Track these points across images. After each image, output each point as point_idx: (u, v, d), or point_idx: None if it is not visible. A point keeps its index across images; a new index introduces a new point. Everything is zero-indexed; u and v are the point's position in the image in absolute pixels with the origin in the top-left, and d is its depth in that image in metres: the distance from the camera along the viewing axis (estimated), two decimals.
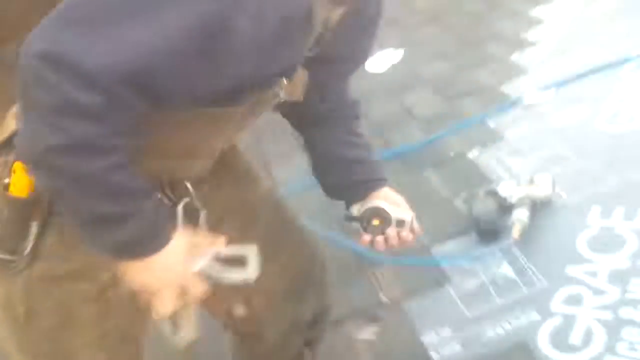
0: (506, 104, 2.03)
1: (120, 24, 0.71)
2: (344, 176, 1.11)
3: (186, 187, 0.99)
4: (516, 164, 1.72)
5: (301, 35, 0.86)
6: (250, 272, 0.91)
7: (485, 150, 1.83)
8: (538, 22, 2.50)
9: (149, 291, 0.84)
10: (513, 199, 1.53)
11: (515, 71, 2.21)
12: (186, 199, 0.98)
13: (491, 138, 1.88)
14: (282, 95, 0.91)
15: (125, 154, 0.78)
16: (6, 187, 0.88)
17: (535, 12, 2.59)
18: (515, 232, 1.44)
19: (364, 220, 1.03)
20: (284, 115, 1.13)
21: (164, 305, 0.84)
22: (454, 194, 1.69)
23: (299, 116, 1.12)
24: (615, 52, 2.08)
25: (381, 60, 2.56)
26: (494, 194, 1.57)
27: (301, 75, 0.97)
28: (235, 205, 1.11)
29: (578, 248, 1.37)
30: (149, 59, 0.72)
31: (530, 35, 2.42)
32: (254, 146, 2.26)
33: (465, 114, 2.04)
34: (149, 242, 0.82)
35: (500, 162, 1.76)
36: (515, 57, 2.30)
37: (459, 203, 1.65)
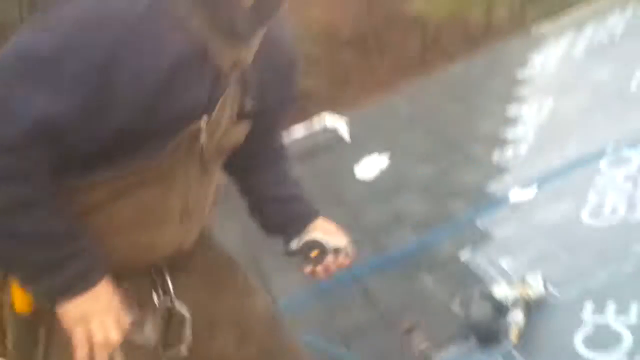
0: (492, 203, 2.09)
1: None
2: (281, 214, 1.18)
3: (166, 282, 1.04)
4: (507, 263, 1.75)
5: (200, 77, 0.93)
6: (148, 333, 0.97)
7: (476, 250, 1.87)
8: (515, 120, 2.62)
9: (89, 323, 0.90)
10: (508, 300, 1.55)
11: (498, 170, 2.29)
12: (168, 302, 1.02)
13: (481, 238, 1.92)
14: (204, 140, 0.97)
15: (50, 203, 0.89)
16: (11, 305, 0.94)
17: (511, 111, 2.72)
18: (514, 336, 1.45)
19: (304, 253, 1.10)
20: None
21: (107, 333, 0.90)
22: (450, 297, 1.71)
23: (233, 163, 1.19)
24: (592, 145, 2.18)
25: (369, 167, 2.67)
26: (488, 296, 1.59)
27: (227, 120, 1.02)
28: (231, 316, 1.13)
29: (576, 347, 1.36)
30: (44, 119, 0.83)
31: (508, 133, 2.54)
32: (252, 258, 2.30)
33: (454, 215, 2.10)
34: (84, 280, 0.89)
35: (491, 262, 1.79)
36: (497, 156, 2.40)
37: (455, 307, 1.67)
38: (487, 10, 18.86)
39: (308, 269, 1.10)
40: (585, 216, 1.83)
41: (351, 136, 3.14)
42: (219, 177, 1.12)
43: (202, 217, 1.10)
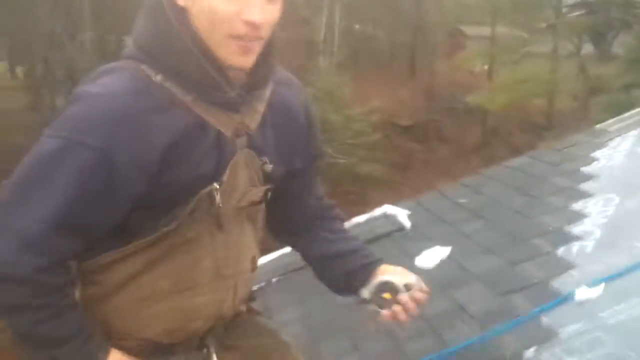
0: (557, 299, 2.06)
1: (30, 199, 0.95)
2: (347, 268, 1.24)
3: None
4: None
5: (203, 146, 1.03)
6: None
7: (541, 349, 1.83)
8: (580, 216, 2.60)
9: None
10: None
11: (563, 266, 2.26)
12: None
13: (546, 336, 1.88)
14: (219, 203, 1.05)
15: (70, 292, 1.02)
16: None
17: (576, 206, 2.71)
18: None
19: (377, 298, 1.13)
20: (275, 237, 1.27)
21: None
22: None
23: (286, 231, 1.26)
24: None
25: (430, 256, 2.68)
26: None
27: (246, 183, 1.11)
28: None
29: None
30: (63, 212, 0.95)
31: (574, 229, 2.52)
32: (312, 342, 2.32)
33: (518, 311, 2.07)
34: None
35: None
36: (562, 251, 2.37)
37: None
38: (549, 100, 18.90)
39: (387, 313, 1.11)
40: None
41: (412, 224, 3.18)
42: (252, 243, 1.19)
43: (238, 280, 1.16)
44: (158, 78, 1.01)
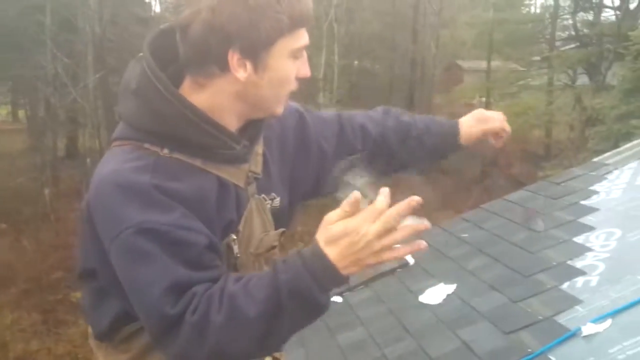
0: (565, 336, 2.04)
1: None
2: (434, 138, 1.43)
3: None
4: None
5: (226, 200, 1.09)
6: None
7: None
8: (583, 250, 2.61)
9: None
10: None
11: (569, 301, 2.25)
12: None
13: None
14: (237, 251, 1.09)
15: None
16: None
17: (579, 240, 2.71)
18: None
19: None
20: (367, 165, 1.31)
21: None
22: None
23: (372, 157, 1.36)
24: None
25: (434, 294, 2.68)
26: None
27: (261, 228, 1.15)
28: None
29: None
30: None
31: (577, 263, 2.52)
32: None
33: (525, 349, 2.06)
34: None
35: None
36: (566, 286, 2.37)
37: None
38: (546, 131, 19.05)
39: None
40: None
41: (415, 260, 3.18)
42: None
43: None
44: (165, 152, 1.05)
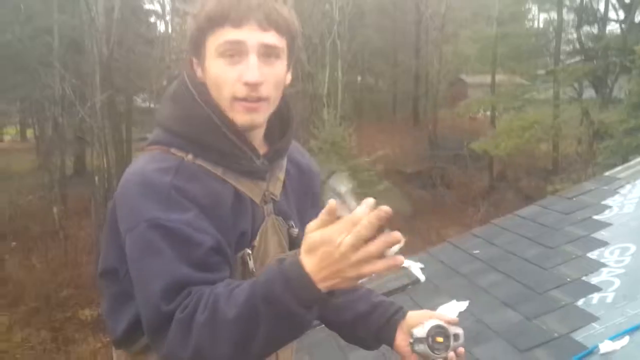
0: (582, 354, 2.01)
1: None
2: (374, 326, 1.27)
3: None
4: None
5: (241, 212, 1.12)
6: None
7: None
8: (598, 266, 2.58)
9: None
10: None
11: (585, 318, 2.22)
12: None
13: None
14: (252, 266, 1.11)
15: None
16: None
17: (593, 255, 2.68)
18: None
19: (430, 339, 1.13)
20: None
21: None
22: None
23: None
24: None
25: (447, 311, 2.64)
26: None
27: (277, 249, 1.17)
28: None
29: None
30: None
31: (592, 279, 2.49)
32: None
33: None
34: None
35: None
36: (582, 303, 2.34)
37: None
38: (554, 145, 18.97)
39: (443, 356, 1.13)
40: None
41: (426, 277, 3.15)
42: None
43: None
44: (189, 157, 1.10)
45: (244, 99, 1.09)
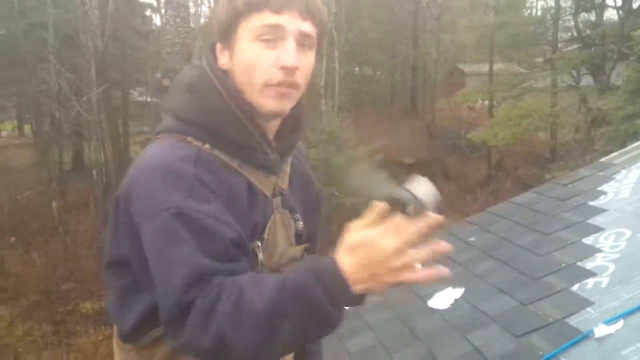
0: (576, 338, 2.02)
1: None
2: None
3: None
4: None
5: (253, 204, 1.12)
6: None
7: None
8: (593, 251, 2.58)
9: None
10: None
11: (580, 303, 2.23)
12: None
13: None
14: (261, 258, 1.12)
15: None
16: None
17: (588, 241, 2.69)
18: None
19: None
20: None
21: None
22: None
23: None
24: None
25: (443, 298, 2.65)
26: None
27: (284, 242, 1.18)
28: None
29: None
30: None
31: (587, 265, 2.49)
32: None
33: (536, 352, 2.03)
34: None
35: None
36: (577, 288, 2.34)
37: None
38: (551, 133, 18.95)
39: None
40: None
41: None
42: None
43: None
44: (206, 147, 1.09)
45: (277, 85, 1.08)
